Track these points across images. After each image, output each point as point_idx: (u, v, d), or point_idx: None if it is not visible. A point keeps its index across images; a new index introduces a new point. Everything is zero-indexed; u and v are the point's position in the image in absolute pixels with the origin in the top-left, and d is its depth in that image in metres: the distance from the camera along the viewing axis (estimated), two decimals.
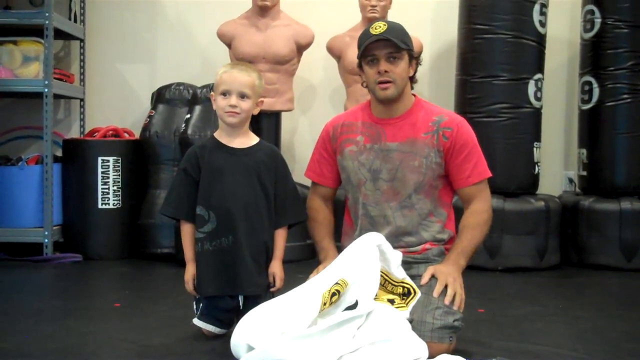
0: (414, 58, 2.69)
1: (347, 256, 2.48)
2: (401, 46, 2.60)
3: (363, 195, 2.70)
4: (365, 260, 2.44)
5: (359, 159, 2.69)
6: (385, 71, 2.60)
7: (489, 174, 2.72)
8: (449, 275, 2.52)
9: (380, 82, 2.61)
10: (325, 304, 2.35)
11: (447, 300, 2.46)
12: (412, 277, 2.62)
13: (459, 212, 2.75)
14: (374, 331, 2.31)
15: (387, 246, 2.51)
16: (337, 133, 2.77)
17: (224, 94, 2.63)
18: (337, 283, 2.39)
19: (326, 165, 2.82)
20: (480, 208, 2.68)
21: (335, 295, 2.37)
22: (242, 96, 2.64)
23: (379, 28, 2.59)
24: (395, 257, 2.53)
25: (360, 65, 2.68)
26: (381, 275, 2.47)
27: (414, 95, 2.75)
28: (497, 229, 4.22)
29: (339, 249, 2.83)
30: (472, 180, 2.67)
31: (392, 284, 2.51)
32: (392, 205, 2.66)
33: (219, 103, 2.65)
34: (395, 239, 2.65)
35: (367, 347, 2.27)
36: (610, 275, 4.25)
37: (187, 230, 2.71)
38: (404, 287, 2.51)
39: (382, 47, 2.59)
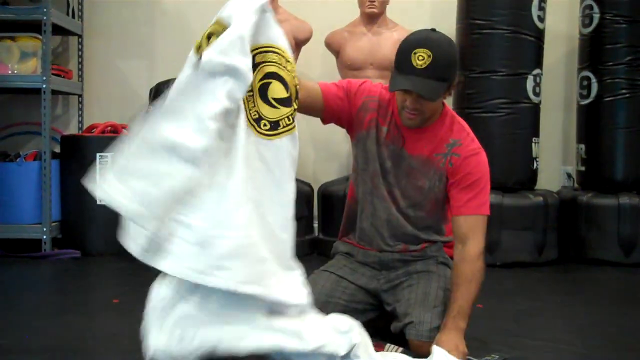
0: (456, 82, 2.46)
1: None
2: (434, 97, 2.38)
3: (374, 185, 2.60)
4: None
5: (379, 150, 2.57)
6: (416, 108, 2.43)
7: (487, 212, 2.50)
8: (451, 350, 2.30)
9: (410, 113, 2.45)
10: (199, 47, 2.07)
11: None
12: (409, 273, 2.62)
13: None
14: None
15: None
16: (369, 107, 2.55)
17: None
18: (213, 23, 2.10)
19: (340, 98, 2.56)
20: (474, 253, 2.44)
21: (212, 37, 2.07)
22: None
23: (421, 60, 2.33)
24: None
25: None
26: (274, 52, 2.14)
27: (443, 103, 2.57)
28: (495, 224, 4.21)
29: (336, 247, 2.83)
30: (465, 211, 2.47)
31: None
32: (392, 208, 2.60)
33: None
34: (394, 238, 2.64)
35: None
36: (609, 270, 4.25)
37: None
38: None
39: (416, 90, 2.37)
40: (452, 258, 2.69)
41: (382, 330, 2.58)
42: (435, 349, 2.31)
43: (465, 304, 2.39)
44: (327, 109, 2.56)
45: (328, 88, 2.56)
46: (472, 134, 2.57)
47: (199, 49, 2.07)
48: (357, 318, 2.59)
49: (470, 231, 2.45)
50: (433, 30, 2.45)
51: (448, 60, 2.39)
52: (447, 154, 2.52)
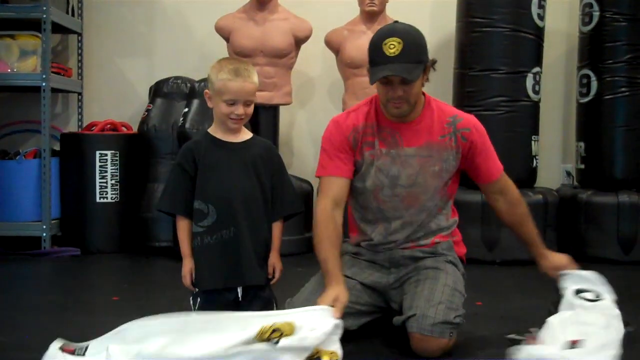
0: (430, 64, 2.59)
1: (310, 312, 2.32)
2: (414, 77, 2.48)
3: (380, 202, 2.65)
4: (324, 329, 2.26)
5: (377, 164, 2.62)
6: (400, 95, 2.50)
7: (502, 166, 2.77)
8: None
9: (395, 102, 2.53)
10: (262, 334, 2.21)
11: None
12: (418, 269, 2.64)
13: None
14: None
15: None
16: (358, 137, 2.64)
17: (230, 103, 2.62)
18: (287, 322, 2.24)
19: (344, 160, 2.66)
20: (518, 197, 2.77)
21: (276, 332, 2.21)
22: (248, 103, 2.64)
23: (393, 48, 2.46)
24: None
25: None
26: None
27: (423, 93, 2.66)
28: (494, 222, 4.22)
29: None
30: (495, 176, 2.72)
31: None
32: (411, 211, 2.64)
33: (223, 109, 2.62)
34: (406, 238, 2.66)
35: None
36: (608, 268, 4.23)
37: (183, 226, 2.70)
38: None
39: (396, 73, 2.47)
40: (461, 258, 2.74)
41: (382, 330, 2.59)
42: (568, 272, 2.65)
43: (536, 232, 2.77)
44: (352, 176, 2.68)
45: (337, 166, 2.64)
46: (461, 111, 2.77)
47: (260, 336, 2.21)
48: (361, 319, 2.61)
49: (503, 186, 2.75)
50: (396, 22, 2.63)
51: (418, 43, 2.54)
52: (454, 132, 2.62)
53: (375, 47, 2.50)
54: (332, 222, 2.58)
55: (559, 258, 2.75)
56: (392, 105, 2.53)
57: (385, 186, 2.62)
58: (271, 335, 2.19)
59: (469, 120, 2.68)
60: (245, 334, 2.21)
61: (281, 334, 2.19)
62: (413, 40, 2.51)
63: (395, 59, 2.45)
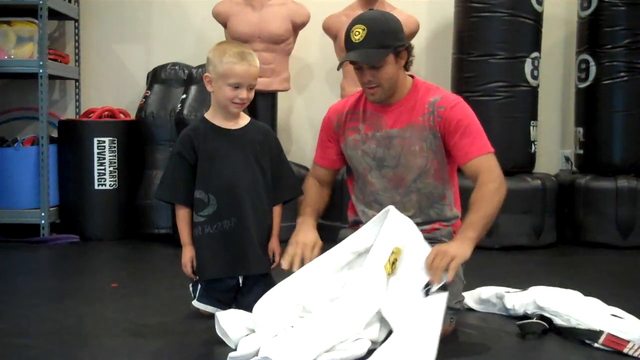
0: (404, 48, 2.60)
1: (389, 225, 2.44)
2: (378, 62, 2.53)
3: (370, 184, 2.68)
4: (409, 227, 2.47)
5: (362, 147, 2.67)
6: (370, 80, 2.57)
7: (490, 149, 2.58)
8: (446, 252, 2.36)
9: (368, 87, 2.60)
10: (389, 274, 2.37)
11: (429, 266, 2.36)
12: None
13: (463, 192, 2.75)
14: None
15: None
16: (342, 121, 2.73)
17: (236, 86, 2.61)
18: (392, 252, 2.38)
19: (329, 149, 2.79)
20: (486, 179, 2.52)
21: (394, 263, 2.38)
22: (251, 88, 2.64)
23: (357, 35, 2.53)
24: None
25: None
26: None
27: (412, 76, 2.70)
28: None
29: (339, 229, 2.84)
30: (471, 155, 2.55)
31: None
32: (400, 191, 2.65)
33: (227, 93, 2.61)
34: None
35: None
36: (607, 253, 4.26)
37: (183, 215, 2.70)
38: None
39: (355, 59, 2.55)
40: None
41: None
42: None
43: (475, 219, 2.45)
44: (342, 163, 2.82)
45: (323, 156, 2.82)
46: (448, 92, 2.73)
47: (390, 272, 2.39)
48: None
49: (480, 168, 2.54)
50: (370, 9, 2.77)
51: (383, 29, 2.55)
52: (432, 111, 2.62)
53: (346, 35, 2.59)
54: (313, 192, 2.81)
55: (440, 253, 2.36)
56: (367, 90, 2.62)
57: (373, 168, 2.67)
58: (393, 266, 2.38)
59: (447, 99, 2.64)
60: (379, 278, 2.35)
61: (396, 260, 2.39)
62: (378, 27, 2.55)
63: (359, 45, 2.53)
